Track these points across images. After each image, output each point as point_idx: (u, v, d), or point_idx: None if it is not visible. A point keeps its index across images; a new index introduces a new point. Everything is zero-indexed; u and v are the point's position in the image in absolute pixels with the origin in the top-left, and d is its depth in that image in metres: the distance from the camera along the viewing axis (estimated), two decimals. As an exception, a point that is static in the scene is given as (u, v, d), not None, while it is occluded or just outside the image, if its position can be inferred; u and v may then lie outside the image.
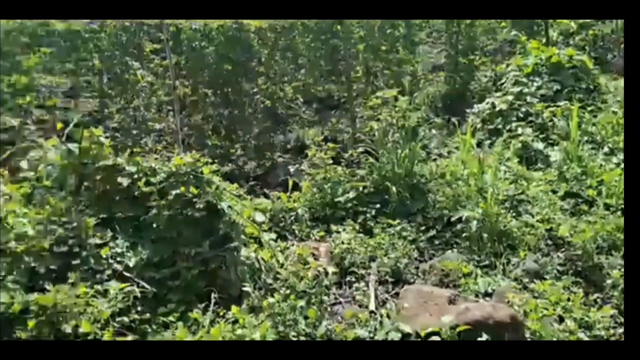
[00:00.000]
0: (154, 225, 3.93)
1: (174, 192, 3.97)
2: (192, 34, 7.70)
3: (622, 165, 5.65)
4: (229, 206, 4.17)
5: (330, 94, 9.71)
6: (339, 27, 9.31)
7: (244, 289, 3.70)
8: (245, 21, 7.80)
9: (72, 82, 8.98)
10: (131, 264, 3.66)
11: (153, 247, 3.81)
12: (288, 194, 5.88)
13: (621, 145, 6.24)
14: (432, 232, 5.34)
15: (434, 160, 6.75)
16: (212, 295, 3.50)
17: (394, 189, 5.77)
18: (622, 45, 11.70)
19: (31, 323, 3.03)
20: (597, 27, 12.57)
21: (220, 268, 3.87)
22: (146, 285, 3.54)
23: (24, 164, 4.45)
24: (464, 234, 5.18)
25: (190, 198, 3.96)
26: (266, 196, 6.05)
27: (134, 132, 7.10)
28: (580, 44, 11.63)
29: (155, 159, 4.29)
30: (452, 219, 5.40)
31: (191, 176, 4.09)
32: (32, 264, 3.45)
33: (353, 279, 4.58)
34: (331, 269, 4.48)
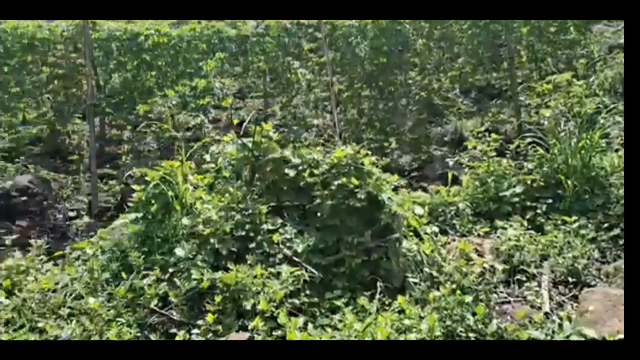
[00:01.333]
0: (318, 214, 4.08)
1: (336, 183, 4.08)
2: (347, 30, 7.87)
3: None
4: (389, 197, 4.16)
5: (490, 83, 9.16)
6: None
7: (410, 279, 3.66)
8: (400, 13, 7.72)
9: (240, 84, 9.84)
10: (299, 250, 3.85)
11: (318, 234, 3.96)
12: (447, 187, 5.69)
13: None
14: (616, 231, 4.72)
15: (616, 151, 5.96)
16: (378, 284, 3.53)
17: (569, 182, 5.24)
18: None
19: (218, 298, 3.36)
20: None
21: (382, 258, 3.89)
22: (313, 271, 3.70)
23: (206, 157, 4.97)
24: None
25: (352, 189, 4.04)
26: (424, 190, 5.94)
27: (295, 127, 7.51)
28: None
29: (319, 151, 4.46)
30: (642, 217, 4.71)
31: (352, 167, 4.17)
32: (217, 246, 3.83)
33: (523, 278, 4.26)
34: (499, 266, 4.23)
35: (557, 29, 9.13)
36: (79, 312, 3.68)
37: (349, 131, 7.60)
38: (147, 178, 4.57)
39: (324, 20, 7.87)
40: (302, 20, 7.86)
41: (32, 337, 3.51)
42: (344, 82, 7.82)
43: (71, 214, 6.22)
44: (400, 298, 3.37)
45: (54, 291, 4.08)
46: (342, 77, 7.89)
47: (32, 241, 4.97)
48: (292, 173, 4.35)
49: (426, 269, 3.96)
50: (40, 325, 3.64)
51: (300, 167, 4.35)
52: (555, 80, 6.34)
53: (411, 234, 4.38)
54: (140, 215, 4.45)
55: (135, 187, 4.48)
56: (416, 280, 3.72)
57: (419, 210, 4.64)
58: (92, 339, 3.31)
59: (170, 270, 3.75)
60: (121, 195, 6.31)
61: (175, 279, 3.64)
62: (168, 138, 6.85)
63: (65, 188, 6.73)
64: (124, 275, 3.80)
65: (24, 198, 6.13)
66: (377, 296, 3.44)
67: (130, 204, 4.69)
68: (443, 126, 8.29)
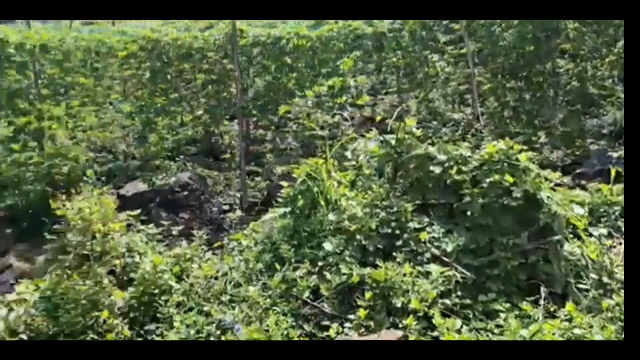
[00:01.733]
0: (468, 212, 3.92)
1: (487, 181, 3.89)
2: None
3: None
4: (548, 196, 3.85)
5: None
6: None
7: (574, 285, 3.36)
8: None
9: (373, 81, 9.86)
10: (448, 249, 3.74)
11: (469, 234, 3.81)
12: (610, 185, 5.12)
13: None
14: None
15: None
16: (542, 289, 3.29)
17: None
18: None
19: (368, 294, 3.40)
20: None
21: (540, 261, 3.62)
22: (465, 271, 3.56)
23: (348, 154, 5.05)
24: None
25: (506, 187, 3.81)
26: (582, 188, 5.41)
27: (434, 123, 7.34)
28: None
29: (466, 147, 4.28)
30: None
31: (505, 164, 3.93)
32: (363, 242, 3.87)
33: None
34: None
35: None
36: (239, 299, 3.98)
37: (492, 125, 7.21)
38: (293, 175, 4.79)
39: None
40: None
41: (200, 319, 3.88)
42: (485, 74, 7.44)
43: (225, 207, 6.77)
44: (569, 305, 3.11)
45: (216, 278, 4.47)
46: (484, 69, 7.50)
47: (194, 232, 5.51)
48: (437, 170, 4.23)
49: (593, 275, 3.61)
50: (206, 309, 4.01)
51: (447, 164, 4.22)
52: None
53: (571, 236, 4.02)
54: (288, 210, 4.68)
55: (283, 183, 4.72)
56: (584, 287, 3.39)
57: (578, 210, 4.24)
58: (252, 325, 3.54)
59: (320, 264, 3.88)
60: (267, 191, 6.70)
61: (325, 273, 3.76)
62: (308, 137, 7.11)
63: (219, 184, 7.34)
64: (277, 266, 4.02)
65: (185, 193, 6.81)
66: (542, 302, 3.21)
67: (278, 199, 4.96)
68: (600, 117, 7.48)
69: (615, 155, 5.81)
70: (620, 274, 3.53)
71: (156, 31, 7.85)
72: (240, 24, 7.63)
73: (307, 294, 3.69)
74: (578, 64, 7.43)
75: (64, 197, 6.06)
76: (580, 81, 7.32)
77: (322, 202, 4.40)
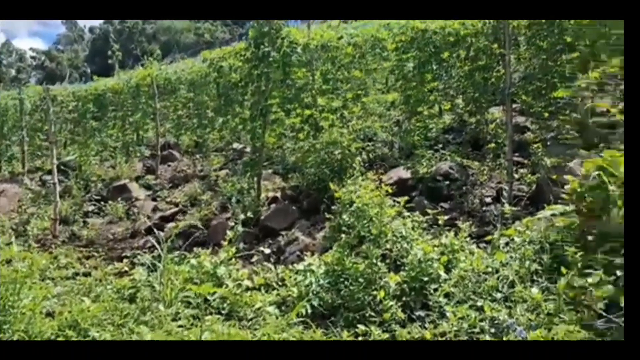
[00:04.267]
0: None
1: None
2: None
3: None
4: None
5: None
6: None
7: None
8: None
9: None
10: None
11: None
12: None
13: None
14: None
15: None
16: None
17: None
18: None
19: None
20: None
21: None
22: None
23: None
24: None
25: None
26: None
27: None
28: None
29: None
30: None
31: None
32: None
33: None
34: None
35: None
36: (516, 299, 3.77)
37: None
38: (577, 169, 4.27)
39: None
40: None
41: (473, 314, 3.80)
42: None
43: (487, 200, 6.51)
44: None
45: (486, 274, 4.33)
46: None
47: (459, 223, 5.45)
48: None
49: None
50: (479, 304, 3.92)
51: None
52: None
53: None
54: (571, 208, 4.19)
55: (568, 177, 4.25)
56: None
57: None
58: (537, 331, 3.30)
59: (618, 273, 3.36)
60: (537, 184, 6.18)
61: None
62: (589, 124, 6.24)
63: (481, 175, 7.09)
64: (560, 269, 3.65)
65: (446, 182, 6.79)
66: None
67: (554, 195, 4.51)
68: None
69: None
70: None
71: (423, 22, 7.95)
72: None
73: (601, 305, 3.25)
74: None
75: (338, 181, 6.72)
76: None
77: (620, 202, 3.80)
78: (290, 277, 4.92)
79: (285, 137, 8.93)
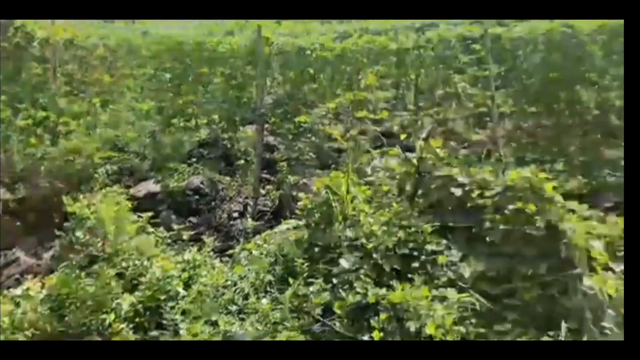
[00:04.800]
0: (488, 239, 3.84)
1: (511, 207, 3.80)
2: (515, 42, 7.41)
3: None
4: (571, 228, 3.76)
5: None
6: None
7: (590, 322, 3.26)
8: (576, 24, 7.08)
9: (390, 97, 9.80)
10: (466, 275, 3.65)
11: (488, 261, 3.72)
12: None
13: None
14: None
15: None
16: (562, 324, 3.20)
17: None
18: None
19: (383, 316, 3.31)
20: None
21: (560, 294, 3.52)
22: (481, 299, 3.47)
23: (368, 170, 4.99)
24: None
25: (530, 215, 3.72)
26: (600, 220, 5.30)
27: (451, 143, 7.25)
28: None
29: (490, 171, 4.20)
30: None
31: (530, 192, 3.85)
32: (380, 261, 3.79)
33: None
34: None
35: None
36: (249, 311, 3.90)
37: (510, 149, 7.12)
38: (309, 186, 4.73)
39: (489, 31, 7.52)
40: (465, 32, 7.60)
41: (207, 329, 3.80)
42: (507, 97, 7.37)
43: (234, 215, 6.71)
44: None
45: (225, 287, 4.39)
46: (505, 91, 7.43)
47: (204, 238, 5.45)
48: (458, 193, 4.15)
49: (610, 312, 3.51)
50: (213, 318, 3.93)
51: (468, 187, 4.14)
52: None
53: (589, 269, 3.92)
54: (303, 222, 4.61)
55: (302, 194, 4.66)
56: (603, 324, 3.29)
57: (597, 244, 4.15)
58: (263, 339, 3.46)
59: (334, 280, 3.80)
60: (279, 200, 6.64)
61: (340, 290, 3.68)
62: (323, 148, 7.06)
63: (229, 190, 7.28)
64: (289, 280, 3.93)
65: (196, 197, 6.76)
66: (562, 337, 3.11)
67: (291, 210, 4.90)
68: (619, 149, 7.36)
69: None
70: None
71: (181, 34, 7.86)
72: (265, 31, 7.62)
73: (319, 310, 3.62)
74: (601, 93, 7.35)
75: (75, 194, 6.02)
76: (602, 111, 7.23)
77: (340, 217, 4.33)
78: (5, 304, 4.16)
79: (13, 141, 7.64)
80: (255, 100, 7.06)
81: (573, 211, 3.97)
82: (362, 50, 7.51)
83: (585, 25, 7.26)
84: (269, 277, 4.35)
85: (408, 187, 4.52)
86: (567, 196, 6.62)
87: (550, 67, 7.13)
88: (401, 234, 3.97)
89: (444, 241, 3.94)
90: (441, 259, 3.73)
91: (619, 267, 3.92)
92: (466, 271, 3.68)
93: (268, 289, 4.30)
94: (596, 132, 7.22)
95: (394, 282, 3.55)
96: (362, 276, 3.70)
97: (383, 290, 3.50)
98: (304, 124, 7.26)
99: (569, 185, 7.08)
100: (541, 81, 7.14)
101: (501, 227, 3.79)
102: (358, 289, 3.57)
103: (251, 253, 4.68)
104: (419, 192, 4.45)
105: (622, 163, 7.28)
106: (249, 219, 5.84)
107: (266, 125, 7.86)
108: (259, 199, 6.53)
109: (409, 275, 3.66)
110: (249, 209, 6.25)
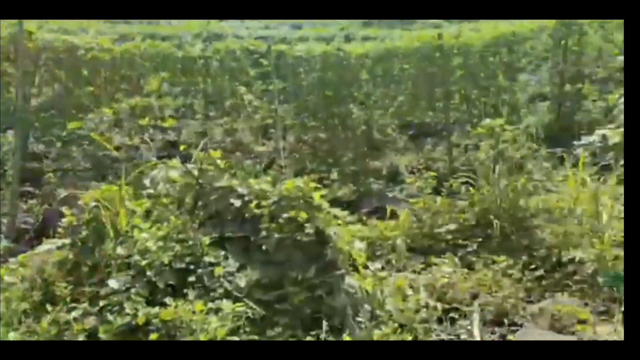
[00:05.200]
0: (264, 247, 4.01)
1: (284, 216, 4.05)
2: (295, 60, 7.98)
3: None
4: (335, 232, 4.18)
5: (426, 121, 9.59)
6: (437, 53, 9.24)
7: (351, 317, 3.67)
8: (347, 48, 7.97)
9: (179, 105, 9.59)
10: (242, 284, 3.75)
11: (263, 269, 3.89)
12: (385, 222, 5.82)
13: None
14: (540, 272, 5.03)
15: (539, 194, 6.39)
16: (323, 322, 3.50)
17: (497, 223, 5.53)
18: None
19: (154, 335, 3.18)
20: None
21: (326, 295, 3.87)
22: (254, 306, 3.61)
23: (146, 182, 4.76)
24: (575, 277, 4.85)
25: (301, 223, 4.02)
26: (363, 223, 6.03)
27: (237, 154, 7.42)
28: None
29: (268, 181, 4.41)
30: (563, 259, 5.07)
31: (301, 201, 4.16)
32: (153, 278, 3.64)
33: (456, 316, 4.40)
34: (434, 304, 4.34)
35: (487, 75, 9.82)
36: (-5, 348, 3.34)
37: (292, 160, 7.62)
38: (80, 202, 4.31)
39: (273, 47, 7.94)
40: (250, 46, 7.88)
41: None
42: (290, 111, 7.88)
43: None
44: (346, 337, 3.36)
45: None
46: (289, 106, 7.94)
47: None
48: (237, 203, 4.25)
49: (367, 306, 4.00)
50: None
51: (247, 198, 4.27)
52: (488, 124, 6.75)
53: (351, 269, 4.41)
54: (68, 241, 4.16)
55: (65, 210, 4.20)
56: (359, 319, 3.73)
57: (359, 245, 4.70)
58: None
59: (102, 303, 3.51)
60: (43, 217, 5.88)
61: (107, 313, 3.41)
62: (100, 158, 6.51)
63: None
64: (47, 307, 3.51)
65: None
66: (323, 335, 3.41)
67: (54, 228, 4.39)
68: (382, 160, 8.53)
69: (390, 195, 6.67)
70: (390, 305, 3.98)
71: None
72: (29, 24, 6.69)
73: (82, 337, 3.29)
74: (367, 111, 8.41)
75: None
76: (368, 127, 8.27)
77: (111, 234, 4.03)
78: None
79: None
80: (16, 103, 6.13)
81: (337, 217, 4.38)
82: (145, 55, 7.17)
83: (354, 51, 8.25)
84: (24, 306, 3.81)
85: (188, 199, 4.46)
86: (339, 202, 7.43)
87: (326, 85, 7.87)
88: (178, 247, 3.89)
89: (222, 252, 3.98)
90: (218, 271, 3.76)
91: (374, 266, 4.49)
92: (242, 281, 3.78)
93: (23, 319, 3.77)
94: (363, 146, 8.21)
95: (167, 299, 3.45)
96: (132, 296, 3.50)
97: (156, 309, 3.37)
98: (77, 131, 6.59)
99: (341, 192, 7.94)
100: (318, 98, 7.82)
101: (275, 235, 4.00)
102: (128, 310, 3.37)
103: (2, 280, 4.04)
104: (199, 204, 4.43)
105: (383, 172, 8.49)
106: (2, 239, 5.03)
107: (33, 132, 6.92)
108: (19, 216, 5.68)
109: (185, 290, 3.60)
110: (2, 227, 5.39)
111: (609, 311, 4.31)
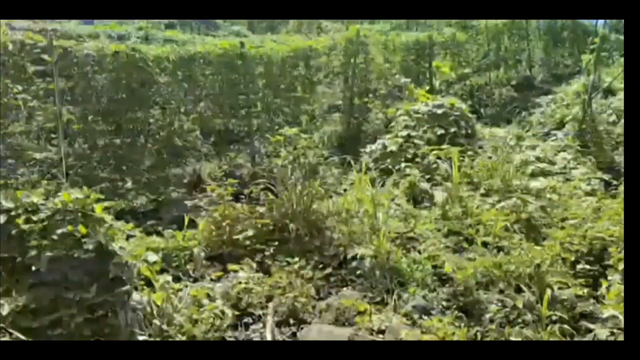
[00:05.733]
0: (34, 267, 3.57)
1: (59, 232, 3.65)
2: (83, 58, 7.26)
3: (497, 206, 6.31)
4: (121, 247, 3.93)
5: (230, 128, 9.67)
6: (239, 61, 9.38)
7: (139, 337, 3.48)
8: (143, 49, 7.56)
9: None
10: (4, 312, 3.28)
11: (31, 292, 3.45)
12: (183, 231, 5.68)
13: (495, 187, 6.97)
14: (329, 270, 5.43)
15: (331, 197, 6.94)
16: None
17: (292, 226, 5.82)
18: (493, 96, 13.38)
19: None
20: (473, 78, 14.13)
21: (108, 314, 3.61)
22: (20, 336, 3.19)
23: None
24: (358, 272, 5.34)
25: (78, 238, 3.67)
26: (159, 234, 5.78)
27: (10, 161, 6.43)
28: (459, 92, 13.04)
29: (40, 193, 3.91)
30: (348, 257, 5.56)
31: (80, 214, 3.80)
32: None
33: (250, 321, 4.51)
34: (227, 311, 4.38)
35: (287, 85, 10.38)
36: None
37: (78, 168, 6.90)
38: None
39: (55, 44, 7.11)
40: (28, 40, 6.91)
41: None
42: (76, 114, 7.11)
43: None
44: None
45: None
46: (75, 108, 7.16)
47: None
48: (2, 219, 3.70)
49: (156, 321, 3.85)
50: None
51: (14, 212, 3.74)
52: (287, 132, 7.10)
53: (143, 283, 4.20)
54: None
55: None
56: (144, 336, 3.56)
57: (152, 257, 4.51)
58: None
59: None
60: None
61: None
62: None
63: None
64: None
65: None
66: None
67: None
68: (183, 168, 8.30)
69: (190, 203, 6.53)
70: (179, 317, 3.89)
71: None
72: None
73: None
74: (166, 116, 8.09)
75: None
76: (168, 132, 7.97)
77: None
78: None
79: None
80: None
81: (122, 230, 4.13)
82: None
83: (152, 52, 7.87)
84: None
85: None
86: (134, 213, 7.01)
87: (120, 87, 7.35)
88: None
89: (-19, 277, 3.43)
90: (-27, 299, 3.22)
91: (165, 278, 4.33)
92: (4, 308, 3.31)
93: None
94: (163, 152, 7.89)
95: None
96: None
97: None
98: None
99: (138, 202, 7.50)
100: (110, 100, 7.27)
101: (47, 253, 3.58)
102: None
103: None
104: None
105: (184, 180, 8.27)
106: None
107: None
108: None
109: None
110: None
111: (384, 301, 4.86)
